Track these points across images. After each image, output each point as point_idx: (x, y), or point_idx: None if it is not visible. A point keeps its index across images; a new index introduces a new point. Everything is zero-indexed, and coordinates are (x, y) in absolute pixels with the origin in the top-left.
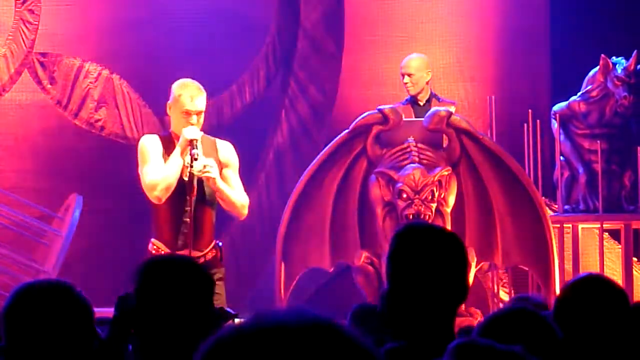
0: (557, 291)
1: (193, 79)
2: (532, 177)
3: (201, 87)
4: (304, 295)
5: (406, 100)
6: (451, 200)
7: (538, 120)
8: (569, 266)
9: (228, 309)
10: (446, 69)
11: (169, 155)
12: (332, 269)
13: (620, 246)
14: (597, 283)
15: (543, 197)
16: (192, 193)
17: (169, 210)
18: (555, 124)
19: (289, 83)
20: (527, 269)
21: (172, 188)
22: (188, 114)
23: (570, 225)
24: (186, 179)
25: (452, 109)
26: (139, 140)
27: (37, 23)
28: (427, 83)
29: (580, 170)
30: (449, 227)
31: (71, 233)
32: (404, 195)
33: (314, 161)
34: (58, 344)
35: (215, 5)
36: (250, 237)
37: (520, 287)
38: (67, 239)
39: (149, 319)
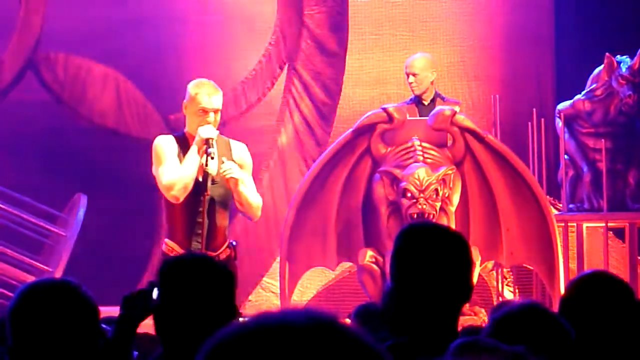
0: (562, 290)
1: (197, 78)
2: (536, 176)
3: (217, 86)
4: (308, 294)
5: (411, 99)
6: (455, 199)
7: (542, 119)
8: (573, 265)
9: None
10: (450, 68)
11: (184, 155)
12: (335, 269)
13: (625, 245)
14: (602, 279)
15: (547, 196)
16: (205, 193)
17: (183, 211)
18: (559, 123)
19: (293, 83)
20: (531, 267)
21: (190, 187)
22: (205, 111)
23: (574, 224)
24: (201, 179)
25: (457, 108)
26: (143, 139)
27: (41, 22)
28: (431, 83)
29: (585, 169)
30: (453, 226)
31: (76, 232)
32: (409, 194)
33: (318, 160)
34: (64, 343)
35: (220, 4)
36: (255, 236)
37: (525, 286)
38: (72, 239)
39: (173, 317)
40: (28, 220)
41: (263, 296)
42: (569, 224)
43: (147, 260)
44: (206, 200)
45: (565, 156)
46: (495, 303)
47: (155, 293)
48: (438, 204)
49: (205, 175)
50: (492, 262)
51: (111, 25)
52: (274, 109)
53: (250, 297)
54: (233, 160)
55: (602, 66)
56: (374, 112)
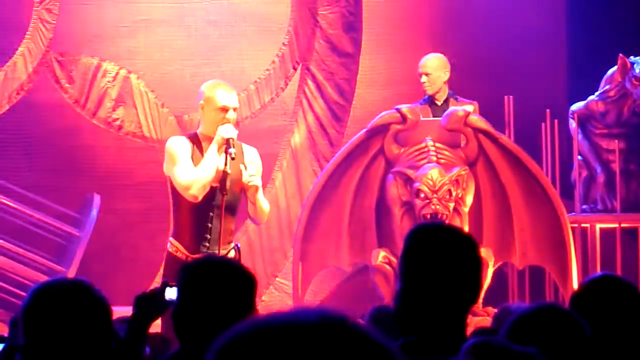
0: None
1: (211, 79)
2: (549, 177)
3: (231, 86)
4: (322, 295)
5: (424, 99)
6: (469, 199)
7: (556, 120)
8: (586, 266)
9: None
10: (463, 69)
11: (201, 155)
12: (349, 269)
13: (638, 246)
14: (611, 282)
15: (561, 197)
16: (224, 192)
17: (193, 214)
18: (573, 124)
19: (307, 83)
20: (544, 268)
21: (208, 186)
22: (225, 109)
23: (588, 225)
24: (215, 184)
25: (471, 108)
26: (156, 139)
27: (55, 22)
28: (444, 82)
29: (598, 170)
30: (466, 226)
31: (89, 232)
32: (422, 195)
33: (332, 161)
34: (76, 343)
35: (233, 5)
36: (268, 236)
37: (538, 287)
38: (85, 238)
39: (193, 318)
40: (41, 220)
41: (276, 296)
42: (582, 225)
43: (159, 260)
44: (225, 200)
45: (579, 157)
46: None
47: (173, 293)
48: (451, 205)
49: (225, 175)
50: (505, 262)
51: (125, 26)
52: (287, 109)
53: (263, 298)
54: (244, 164)
55: (615, 67)
56: (388, 112)
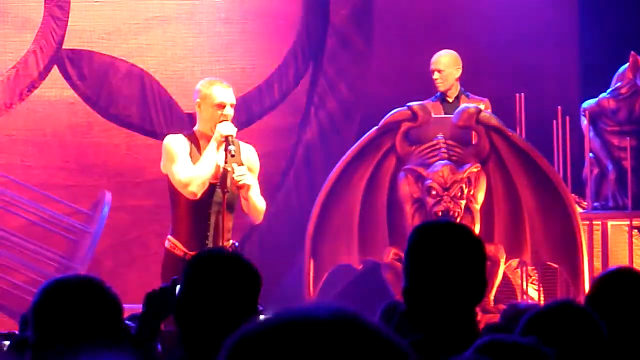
0: (586, 289)
1: (222, 76)
2: (561, 174)
3: (227, 82)
4: (333, 292)
5: (435, 96)
6: (480, 197)
7: (567, 117)
8: (597, 263)
9: None
10: (475, 66)
11: (199, 153)
12: (360, 266)
13: None
14: (627, 276)
15: (572, 194)
16: (225, 190)
17: (191, 211)
18: (584, 121)
19: (318, 80)
20: (556, 266)
21: (207, 184)
22: (222, 106)
23: (599, 222)
24: (214, 181)
25: (482, 105)
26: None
27: (66, 19)
28: (456, 79)
29: (610, 167)
30: (478, 224)
31: (100, 229)
32: (433, 192)
33: (343, 158)
34: (87, 339)
35: (244, 2)
36: (279, 233)
37: (549, 284)
38: (96, 235)
39: (197, 314)
40: (52, 217)
41: (288, 293)
42: (594, 222)
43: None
44: (226, 197)
45: (590, 154)
46: (519, 300)
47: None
48: (463, 202)
49: (225, 172)
50: (517, 260)
51: (137, 23)
52: (299, 106)
53: (273, 294)
54: (241, 162)
55: (627, 64)
56: (399, 109)
